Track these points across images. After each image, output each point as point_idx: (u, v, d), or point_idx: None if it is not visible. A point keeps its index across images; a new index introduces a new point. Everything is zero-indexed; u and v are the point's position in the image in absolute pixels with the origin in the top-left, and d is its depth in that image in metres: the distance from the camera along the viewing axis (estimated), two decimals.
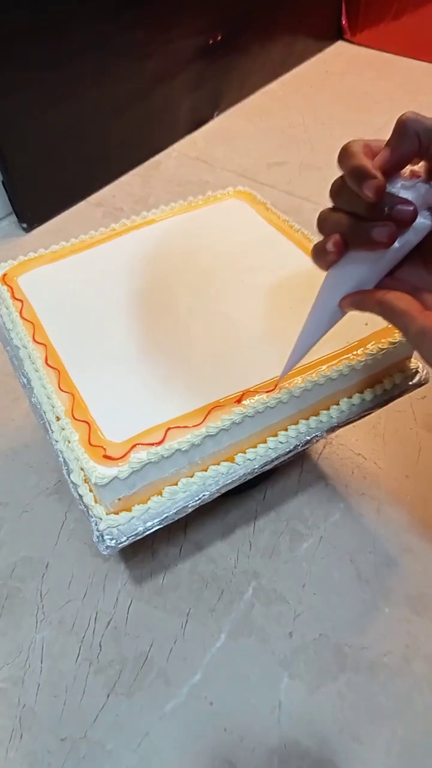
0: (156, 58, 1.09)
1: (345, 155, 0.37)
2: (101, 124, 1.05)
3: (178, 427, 0.46)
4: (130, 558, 0.60)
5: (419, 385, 0.55)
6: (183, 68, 1.15)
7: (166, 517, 0.47)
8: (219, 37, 1.19)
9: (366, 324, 0.53)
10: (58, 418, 0.48)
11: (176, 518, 0.47)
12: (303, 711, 0.50)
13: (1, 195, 1.00)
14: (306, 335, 0.44)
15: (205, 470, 0.48)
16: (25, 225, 1.02)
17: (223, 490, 0.49)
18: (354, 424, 0.53)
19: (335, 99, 1.33)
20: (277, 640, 0.54)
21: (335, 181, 0.39)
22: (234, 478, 0.49)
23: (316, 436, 0.51)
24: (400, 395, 0.55)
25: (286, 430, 0.50)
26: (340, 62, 1.47)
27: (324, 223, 0.40)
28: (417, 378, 0.56)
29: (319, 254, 0.40)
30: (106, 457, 0.44)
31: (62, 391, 0.49)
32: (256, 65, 1.33)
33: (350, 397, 0.53)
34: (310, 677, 0.52)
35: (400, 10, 1.46)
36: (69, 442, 0.46)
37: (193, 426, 0.46)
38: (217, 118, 1.29)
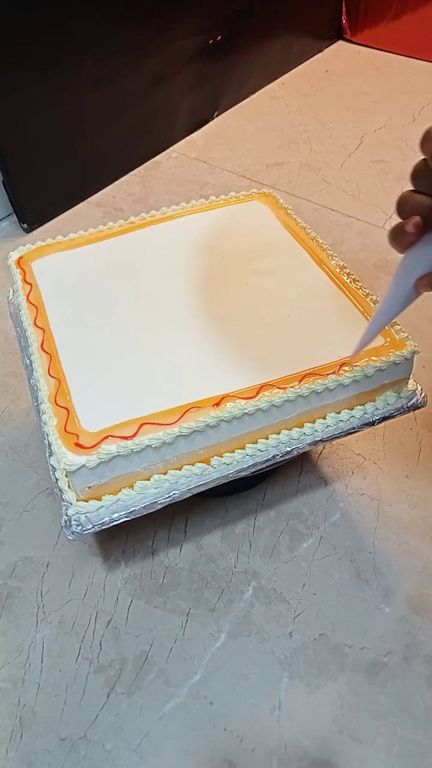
0: (156, 58, 1.09)
1: (428, 139, 0.37)
2: (101, 124, 1.05)
3: (153, 423, 0.46)
4: (130, 558, 0.60)
5: (415, 407, 0.54)
6: (183, 68, 1.15)
7: (134, 510, 0.47)
8: (219, 37, 1.19)
9: None
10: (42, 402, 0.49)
11: (144, 512, 0.48)
12: (303, 711, 0.50)
13: (2, 195, 1.00)
14: (381, 315, 0.45)
15: (179, 469, 0.48)
16: (25, 225, 1.02)
17: (195, 491, 0.49)
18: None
19: (335, 99, 1.33)
20: (277, 640, 0.54)
21: (417, 164, 0.39)
22: (207, 480, 0.49)
23: (297, 448, 0.50)
24: (394, 416, 0.53)
25: (267, 438, 0.50)
26: (340, 62, 1.47)
27: (404, 205, 0.40)
28: (413, 400, 0.54)
29: (397, 236, 0.40)
30: (77, 444, 0.45)
31: (51, 376, 0.50)
32: (256, 65, 1.33)
33: (338, 413, 0.52)
34: (310, 677, 0.52)
35: (400, 9, 1.46)
36: (46, 425, 0.47)
37: (167, 424, 0.46)
38: (216, 118, 1.29)
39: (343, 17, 1.50)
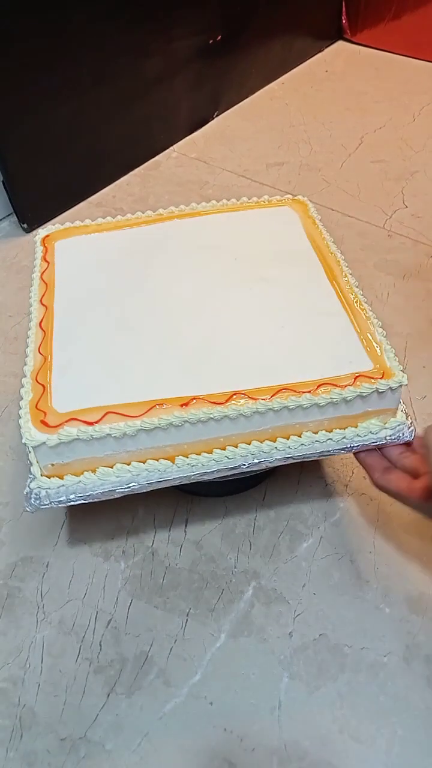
0: (156, 58, 1.09)
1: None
2: (101, 124, 1.05)
3: (118, 413, 0.47)
4: (130, 558, 0.60)
5: (400, 441, 0.51)
6: (183, 68, 1.15)
7: (91, 494, 0.48)
8: (219, 37, 1.19)
9: (350, 362, 0.50)
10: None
11: (101, 498, 0.49)
12: (303, 711, 0.50)
13: (2, 195, 1.00)
14: None
15: (143, 462, 0.49)
16: (25, 225, 1.02)
17: (156, 486, 0.49)
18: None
19: (335, 99, 1.33)
20: (277, 640, 0.54)
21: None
22: (168, 478, 0.49)
23: (266, 461, 0.49)
24: (378, 446, 0.51)
25: (236, 446, 0.49)
26: (340, 62, 1.47)
27: None
28: (399, 433, 0.51)
29: None
30: (43, 422, 0.47)
31: (39, 353, 0.52)
32: (256, 65, 1.33)
33: (315, 433, 0.50)
34: (309, 677, 0.52)
35: (400, 9, 1.46)
36: (22, 399, 0.49)
37: (131, 416, 0.47)
38: (216, 118, 1.29)
39: (343, 17, 1.50)
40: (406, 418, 0.52)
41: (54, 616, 0.56)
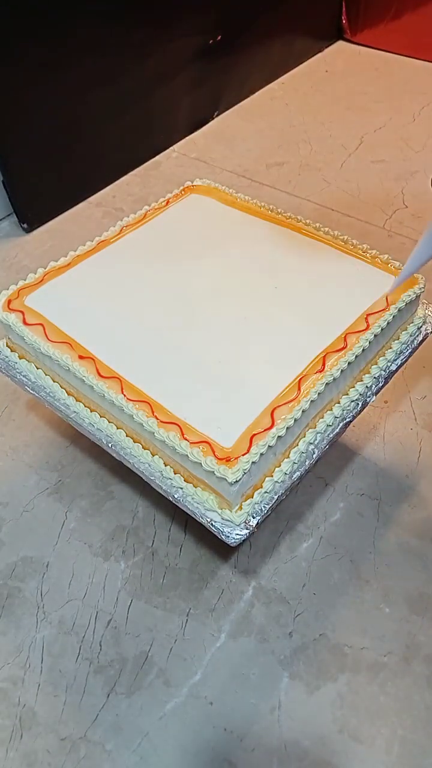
0: (156, 58, 1.09)
1: None
2: (101, 124, 1.05)
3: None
4: (130, 558, 0.60)
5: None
6: (183, 68, 1.15)
7: None
8: (219, 37, 1.19)
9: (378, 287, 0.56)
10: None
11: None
12: (303, 711, 0.50)
13: (2, 195, 1.00)
14: (417, 255, 0.49)
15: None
16: (25, 225, 1.02)
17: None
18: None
19: (335, 99, 1.33)
20: (277, 640, 0.54)
21: None
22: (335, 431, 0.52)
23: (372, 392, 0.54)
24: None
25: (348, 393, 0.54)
26: (340, 62, 1.47)
27: None
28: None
29: None
30: None
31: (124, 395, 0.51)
32: (256, 65, 1.33)
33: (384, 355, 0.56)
34: (310, 677, 0.52)
35: (400, 9, 1.46)
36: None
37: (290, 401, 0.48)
38: (216, 118, 1.29)
39: (343, 17, 1.50)
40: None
41: (54, 616, 0.56)
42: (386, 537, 0.60)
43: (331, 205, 1.02)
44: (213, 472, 0.44)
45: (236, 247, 0.61)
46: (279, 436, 0.46)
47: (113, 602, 0.57)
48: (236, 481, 0.43)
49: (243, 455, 0.44)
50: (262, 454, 0.45)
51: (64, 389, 0.55)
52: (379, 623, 0.55)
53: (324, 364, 0.50)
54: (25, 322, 0.56)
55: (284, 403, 0.47)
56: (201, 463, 0.44)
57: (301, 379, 0.49)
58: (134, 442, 0.50)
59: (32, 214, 1.02)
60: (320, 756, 0.48)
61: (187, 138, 1.23)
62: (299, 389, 0.48)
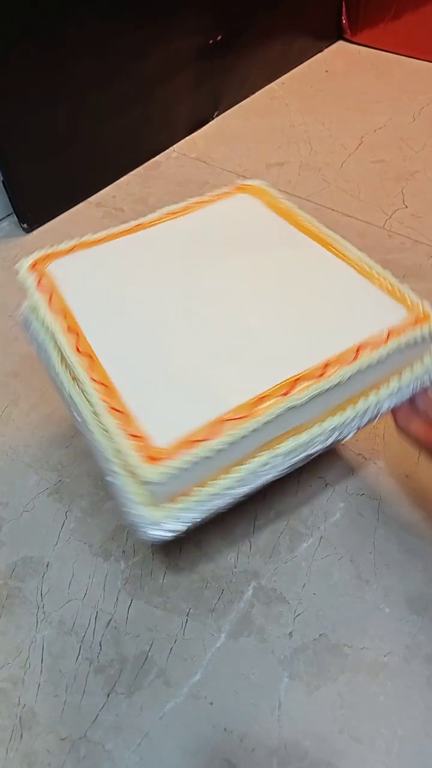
0: (156, 58, 1.09)
1: None
2: (101, 124, 1.05)
3: (227, 420, 0.46)
4: (130, 558, 0.60)
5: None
6: (183, 68, 1.15)
7: (209, 509, 0.48)
8: (219, 37, 1.19)
9: (388, 314, 0.52)
10: None
11: (216, 512, 0.49)
12: (303, 711, 0.50)
13: (2, 195, 1.00)
14: None
15: (246, 463, 0.49)
16: (25, 225, 1.02)
17: (262, 483, 0.50)
18: None
19: (335, 99, 1.33)
20: (277, 640, 0.54)
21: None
22: (276, 467, 0.51)
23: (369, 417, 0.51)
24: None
25: (344, 409, 0.51)
26: (340, 62, 1.47)
27: None
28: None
29: None
30: (150, 457, 0.45)
31: (93, 381, 0.50)
32: (256, 65, 1.33)
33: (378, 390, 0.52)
34: (310, 677, 0.52)
35: (400, 9, 1.46)
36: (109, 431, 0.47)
37: (238, 418, 0.47)
38: (217, 118, 1.29)
39: (343, 17, 1.50)
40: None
41: (54, 616, 0.56)
42: (386, 537, 0.60)
43: (331, 205, 1.02)
44: (135, 466, 0.44)
45: (260, 255, 0.60)
46: (220, 450, 0.44)
47: (113, 602, 0.57)
48: (153, 482, 0.43)
49: (170, 459, 0.43)
50: (194, 462, 0.44)
51: (58, 358, 0.55)
52: (379, 623, 0.55)
53: (292, 388, 0.47)
54: (38, 286, 0.56)
55: (238, 418, 0.46)
56: (127, 455, 0.44)
57: (263, 398, 0.47)
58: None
59: (32, 214, 1.02)
60: (320, 756, 0.48)
61: (187, 138, 1.23)
62: (256, 407, 0.46)
